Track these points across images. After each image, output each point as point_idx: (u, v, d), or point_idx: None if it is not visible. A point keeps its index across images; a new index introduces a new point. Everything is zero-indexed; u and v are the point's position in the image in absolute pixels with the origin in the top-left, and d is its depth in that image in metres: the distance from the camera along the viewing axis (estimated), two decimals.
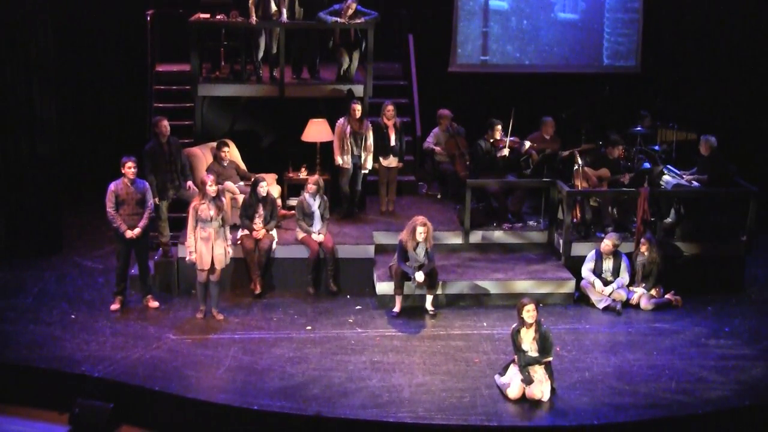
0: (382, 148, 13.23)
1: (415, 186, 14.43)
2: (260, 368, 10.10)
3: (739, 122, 15.97)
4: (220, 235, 11.08)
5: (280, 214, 12.54)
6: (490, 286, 11.94)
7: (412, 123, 14.32)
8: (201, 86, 13.18)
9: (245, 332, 10.99)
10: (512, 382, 9.53)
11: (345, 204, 13.26)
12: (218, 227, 11.05)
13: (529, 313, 9.44)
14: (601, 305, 11.82)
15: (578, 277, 12.04)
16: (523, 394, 9.47)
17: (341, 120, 12.96)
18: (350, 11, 13.07)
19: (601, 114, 14.74)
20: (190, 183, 12.12)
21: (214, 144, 12.87)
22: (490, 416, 9.19)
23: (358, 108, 12.83)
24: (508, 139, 13.13)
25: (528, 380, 9.47)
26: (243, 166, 13.08)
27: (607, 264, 11.95)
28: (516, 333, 9.58)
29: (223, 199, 11.28)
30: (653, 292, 11.93)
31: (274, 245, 12.08)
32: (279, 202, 12.76)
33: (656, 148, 13.88)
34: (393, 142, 13.26)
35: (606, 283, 11.91)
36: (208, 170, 12.28)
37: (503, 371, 9.73)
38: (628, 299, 11.88)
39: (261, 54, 13.32)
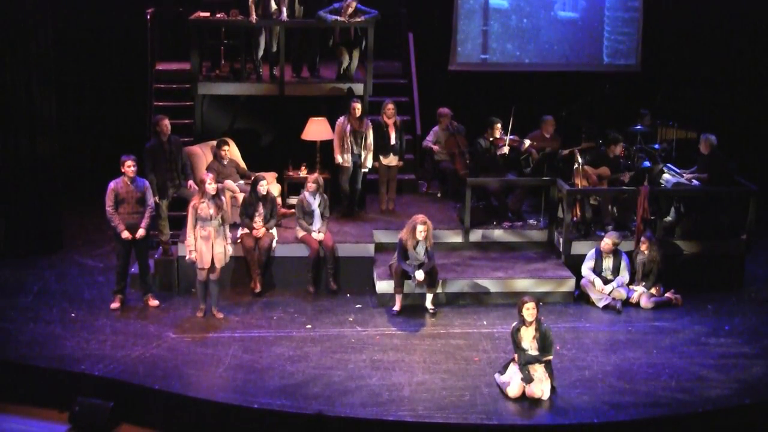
0: (382, 147, 13.23)
1: (415, 184, 14.43)
2: (260, 367, 10.10)
3: (738, 121, 15.97)
4: (219, 234, 11.08)
5: (280, 212, 12.54)
6: (490, 284, 11.94)
7: (412, 121, 14.32)
8: (201, 85, 13.18)
9: (245, 331, 10.99)
10: (512, 380, 9.53)
11: (345, 202, 13.26)
12: (218, 226, 11.05)
13: (529, 311, 9.44)
14: (601, 304, 11.82)
15: (578, 276, 12.04)
16: (523, 393, 9.47)
17: (341, 118, 12.96)
18: (350, 10, 13.07)
19: (601, 112, 14.73)
20: (190, 182, 12.12)
21: (214, 142, 12.88)
22: (490, 415, 9.20)
23: (358, 106, 12.82)
24: (508, 138, 13.13)
25: (528, 379, 9.47)
26: (243, 164, 13.09)
27: (607, 262, 11.95)
28: (516, 331, 9.58)
29: (223, 197, 11.28)
30: (653, 290, 11.93)
31: (274, 244, 12.09)
32: (279, 200, 12.76)
33: (656, 146, 13.87)
34: (393, 141, 13.26)
35: (606, 281, 11.91)
36: (208, 169, 12.28)
37: (503, 370, 9.73)
38: (628, 298, 11.88)
39: (261, 52, 13.31)
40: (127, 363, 10.09)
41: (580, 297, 12.03)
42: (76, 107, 15.21)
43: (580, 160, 12.71)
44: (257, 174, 12.27)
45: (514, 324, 9.66)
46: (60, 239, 13.41)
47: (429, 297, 11.62)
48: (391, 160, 13.35)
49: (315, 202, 12.17)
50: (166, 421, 9.61)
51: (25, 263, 12.74)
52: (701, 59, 16.19)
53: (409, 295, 11.71)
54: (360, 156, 13.02)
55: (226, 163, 12.68)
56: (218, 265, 11.14)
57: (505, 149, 13.12)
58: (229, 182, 12.43)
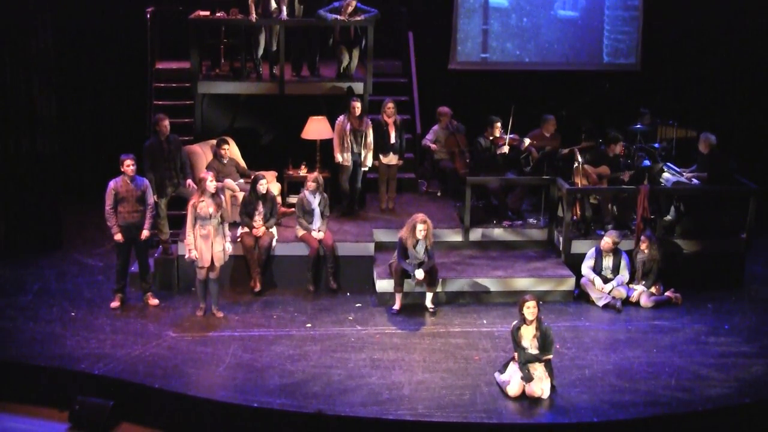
0: (382, 146, 13.23)
1: (415, 183, 14.42)
2: (260, 366, 10.10)
3: (738, 120, 15.96)
4: (219, 233, 11.08)
5: (280, 211, 12.54)
6: (490, 283, 11.94)
7: (412, 120, 14.31)
8: (201, 84, 13.19)
9: (245, 330, 11.00)
10: (512, 379, 9.53)
11: (345, 201, 13.26)
12: (217, 224, 11.05)
13: (529, 309, 9.44)
14: (601, 303, 11.82)
15: (578, 275, 12.05)
16: (523, 392, 9.47)
17: (341, 117, 12.96)
18: (350, 9, 13.07)
19: (601, 111, 14.73)
20: (189, 181, 12.12)
21: (214, 141, 12.88)
22: (489, 413, 9.20)
23: (358, 105, 12.82)
24: (508, 137, 13.13)
25: (528, 378, 9.47)
26: (243, 163, 13.09)
27: (607, 261, 11.95)
28: (516, 330, 9.58)
29: (222, 196, 11.28)
30: (653, 289, 11.93)
31: (274, 243, 12.09)
32: (279, 199, 12.76)
33: (656, 145, 13.87)
34: (393, 140, 13.26)
35: (606, 280, 11.91)
36: (208, 168, 12.27)
37: (503, 369, 9.73)
38: (628, 297, 11.88)
39: (261, 51, 13.32)
40: (127, 362, 10.09)
41: (580, 296, 12.03)
42: (76, 106, 15.20)
43: (580, 159, 12.71)
44: (257, 173, 12.27)
45: (515, 322, 9.66)
46: (60, 238, 13.42)
47: (429, 296, 11.62)
48: (391, 159, 13.34)
49: (315, 201, 12.17)
50: (166, 420, 9.62)
51: (25, 262, 12.75)
52: (701, 58, 16.18)
53: (409, 294, 11.71)
54: (360, 155, 13.02)
55: (225, 162, 12.68)
56: (218, 264, 11.14)
57: (505, 148, 13.11)
58: (228, 181, 12.43)
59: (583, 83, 15.52)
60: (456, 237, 12.83)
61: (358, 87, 13.31)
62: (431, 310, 11.60)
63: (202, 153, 12.88)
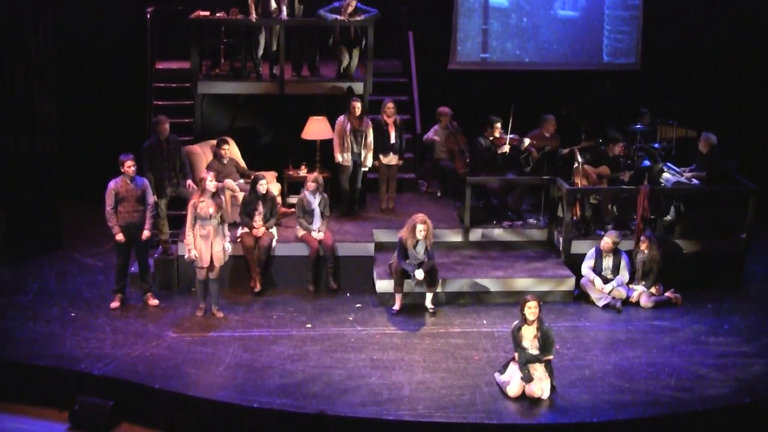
0: (382, 146, 13.23)
1: (415, 183, 14.42)
2: (260, 366, 10.10)
3: (738, 119, 15.96)
4: (219, 233, 11.08)
5: (280, 211, 12.54)
6: (490, 283, 11.94)
7: (412, 120, 14.31)
8: (201, 84, 13.19)
9: (245, 330, 11.00)
10: (512, 379, 9.53)
11: (345, 202, 13.26)
12: (217, 225, 11.05)
13: (530, 309, 9.44)
14: (600, 303, 11.82)
15: (578, 275, 12.05)
16: (523, 392, 9.47)
17: (341, 117, 12.96)
18: (350, 8, 13.07)
19: (601, 111, 14.72)
20: (189, 181, 12.12)
21: (214, 141, 12.88)
22: (489, 414, 9.20)
23: (358, 105, 12.82)
24: (508, 137, 13.12)
25: (528, 378, 9.47)
26: (243, 163, 13.09)
27: (607, 262, 11.95)
28: (517, 330, 9.59)
29: (222, 196, 11.29)
30: (653, 289, 11.93)
31: (274, 243, 12.09)
32: (279, 199, 12.76)
33: (656, 145, 13.86)
34: (393, 140, 13.26)
35: (606, 280, 11.91)
36: (208, 168, 12.27)
37: (503, 369, 9.73)
38: (627, 297, 11.88)
39: (261, 51, 13.31)
40: (127, 362, 10.09)
41: (580, 296, 12.03)
42: (76, 106, 15.20)
43: (580, 159, 12.71)
44: (257, 173, 12.27)
45: (516, 322, 9.66)
46: (60, 238, 13.42)
47: (429, 296, 11.62)
48: (391, 159, 13.34)
49: (315, 201, 12.17)
50: (166, 420, 9.62)
51: (25, 262, 12.74)
52: (701, 57, 16.18)
53: (409, 294, 11.71)
54: (360, 155, 13.02)
55: (225, 162, 12.68)
56: (217, 264, 11.14)
57: (505, 148, 13.11)
58: (228, 181, 12.43)
59: (583, 83, 15.51)
60: (456, 237, 12.83)
61: (358, 87, 13.31)
62: (431, 310, 11.60)
63: (202, 153, 12.88)
